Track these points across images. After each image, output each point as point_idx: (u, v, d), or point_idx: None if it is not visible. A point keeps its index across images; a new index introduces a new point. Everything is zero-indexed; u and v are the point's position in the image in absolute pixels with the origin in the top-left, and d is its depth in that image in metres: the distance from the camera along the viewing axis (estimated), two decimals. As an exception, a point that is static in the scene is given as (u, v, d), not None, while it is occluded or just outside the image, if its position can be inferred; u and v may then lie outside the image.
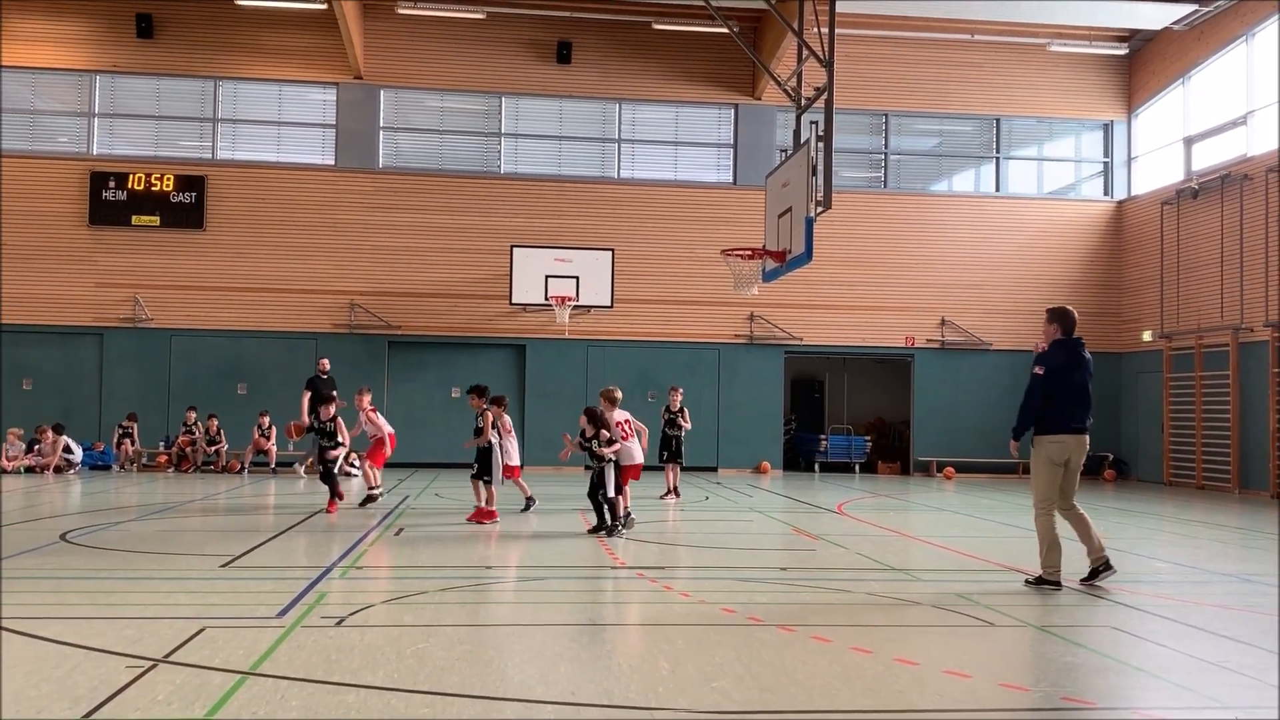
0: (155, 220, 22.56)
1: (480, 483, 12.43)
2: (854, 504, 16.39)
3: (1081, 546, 8.54)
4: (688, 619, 6.92)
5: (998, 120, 25.05)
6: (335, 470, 13.64)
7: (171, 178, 22.61)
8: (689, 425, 16.35)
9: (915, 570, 9.51)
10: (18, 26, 22.70)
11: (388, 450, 14.66)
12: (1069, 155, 25.72)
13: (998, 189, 25.11)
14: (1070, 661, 6.04)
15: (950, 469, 23.85)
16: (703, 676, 5.44)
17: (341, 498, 13.46)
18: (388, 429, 14.60)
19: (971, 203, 24.94)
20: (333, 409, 13.97)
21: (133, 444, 21.17)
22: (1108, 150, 25.28)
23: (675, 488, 16.28)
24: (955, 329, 24.39)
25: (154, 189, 22.53)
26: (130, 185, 22.48)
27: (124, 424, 21.21)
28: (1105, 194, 25.26)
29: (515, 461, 13.34)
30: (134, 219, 22.50)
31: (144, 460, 21.35)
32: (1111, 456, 24.20)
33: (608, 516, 11.24)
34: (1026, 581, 8.51)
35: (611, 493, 11.18)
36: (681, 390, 16.84)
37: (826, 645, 6.17)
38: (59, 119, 23.22)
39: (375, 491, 14.26)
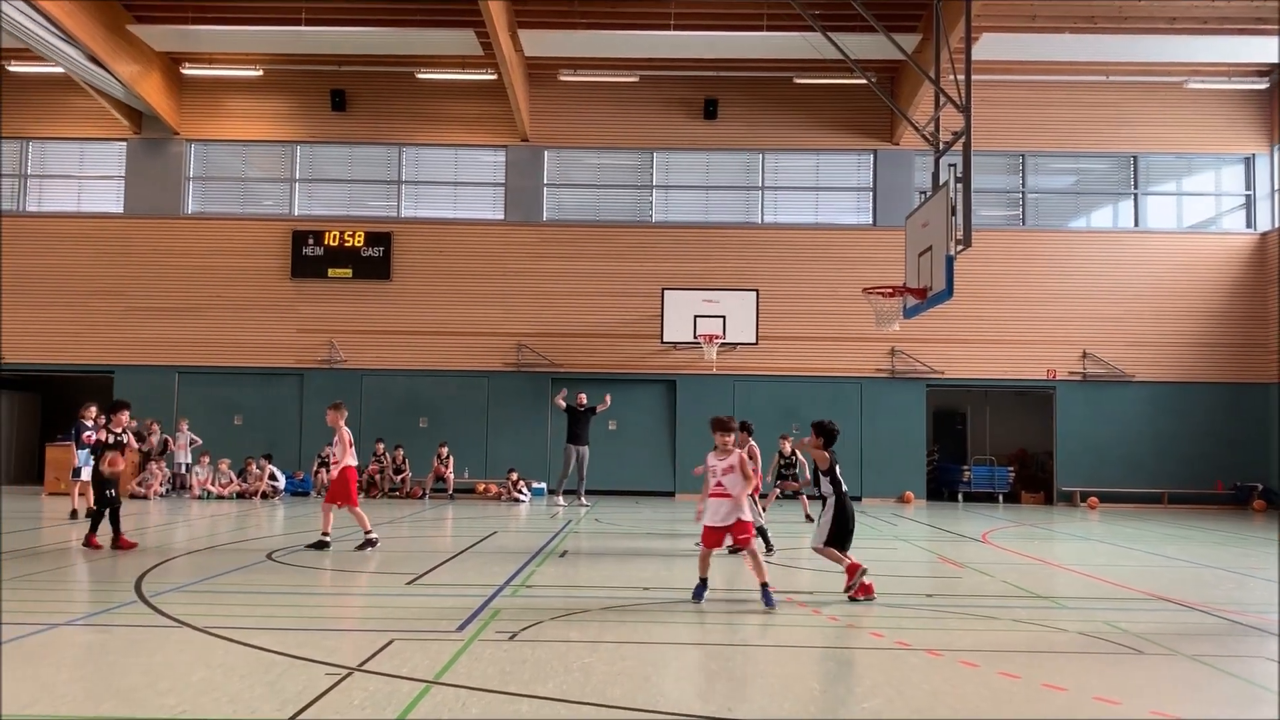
0: (348, 273, 23.67)
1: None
2: (998, 533, 15.78)
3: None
4: (837, 642, 6.78)
5: (1135, 157, 24.00)
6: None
7: (362, 234, 23.71)
8: (807, 472, 15.62)
9: (1061, 598, 9.09)
10: (231, 106, 24.29)
11: (348, 483, 11.66)
12: (1209, 189, 24.38)
13: (1136, 224, 24.01)
14: (1222, 691, 5.67)
15: (1094, 499, 22.76)
16: (853, 697, 5.32)
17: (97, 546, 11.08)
18: (351, 460, 11.76)
19: (1110, 238, 23.91)
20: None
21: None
22: (1249, 183, 23.88)
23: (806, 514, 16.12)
24: (1097, 362, 23.35)
25: (347, 245, 23.67)
26: (326, 242, 23.68)
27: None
28: (1248, 226, 23.84)
29: None
30: (330, 272, 23.66)
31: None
32: (1261, 487, 22.67)
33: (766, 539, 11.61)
34: None
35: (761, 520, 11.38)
36: (790, 438, 16.57)
37: (974, 670, 5.95)
38: (265, 185, 24.65)
39: (328, 539, 11.55)
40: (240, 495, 20.72)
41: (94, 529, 11.28)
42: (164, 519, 15.84)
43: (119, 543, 11.12)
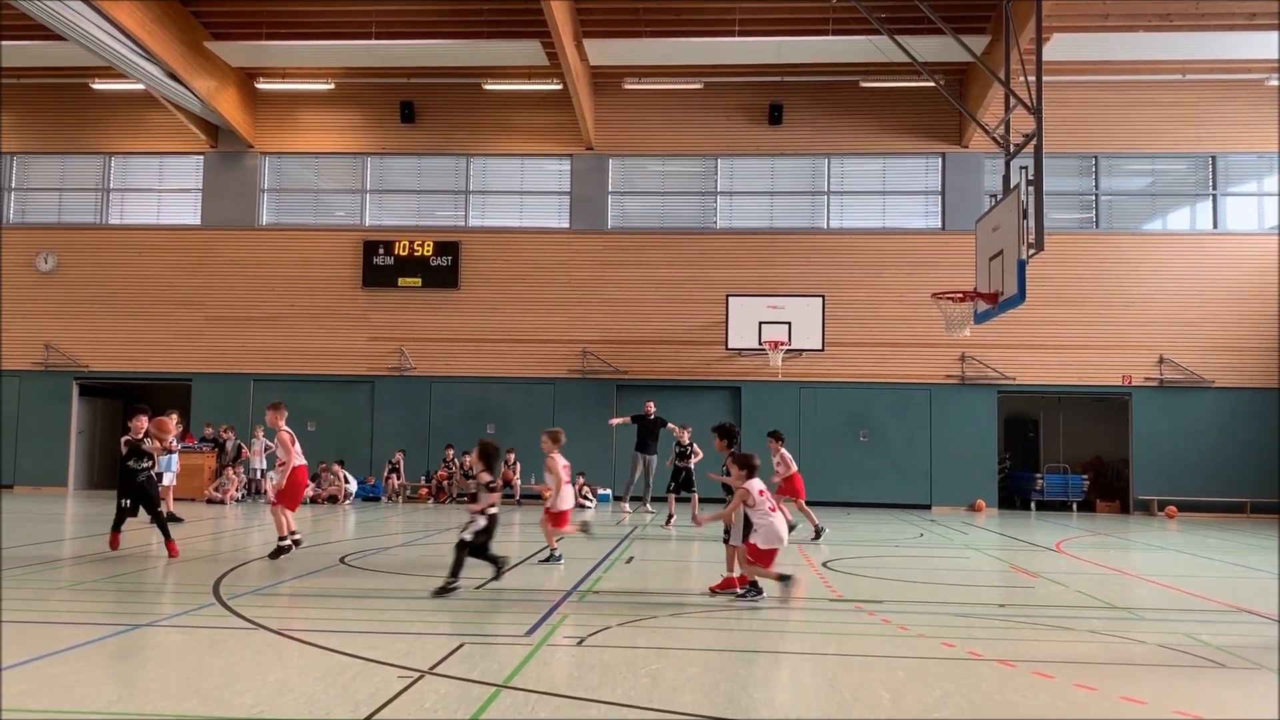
0: (417, 282, 24.02)
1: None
2: (1072, 542, 15.45)
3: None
4: (907, 652, 6.69)
5: (1213, 157, 23.36)
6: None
7: (431, 244, 24.04)
8: (700, 455, 16.78)
9: (1139, 609, 8.86)
10: (304, 119, 24.82)
11: (298, 485, 11.33)
12: (1292, 189, 23.62)
13: (1215, 225, 23.36)
14: (1314, 708, 5.47)
15: (1172, 508, 22.16)
16: (924, 707, 5.24)
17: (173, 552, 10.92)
18: (299, 460, 11.31)
19: (1187, 241, 23.29)
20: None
21: (398, 478, 22.45)
22: (1336, 182, 23.10)
23: (694, 515, 15.88)
24: (1174, 367, 22.75)
25: (416, 254, 24.03)
26: (396, 251, 24.07)
27: (392, 460, 22.55)
28: (1335, 226, 23.06)
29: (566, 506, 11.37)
30: (400, 281, 24.04)
31: (408, 492, 22.58)
32: (1351, 496, 21.88)
33: (457, 572, 8.74)
34: None
35: (468, 536, 8.90)
36: (690, 427, 17.34)
37: (1049, 681, 5.83)
38: (337, 196, 25.13)
39: (286, 542, 10.96)
40: (312, 500, 21.10)
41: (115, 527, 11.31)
42: (239, 523, 16.20)
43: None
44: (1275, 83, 22.38)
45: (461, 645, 6.44)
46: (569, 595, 8.73)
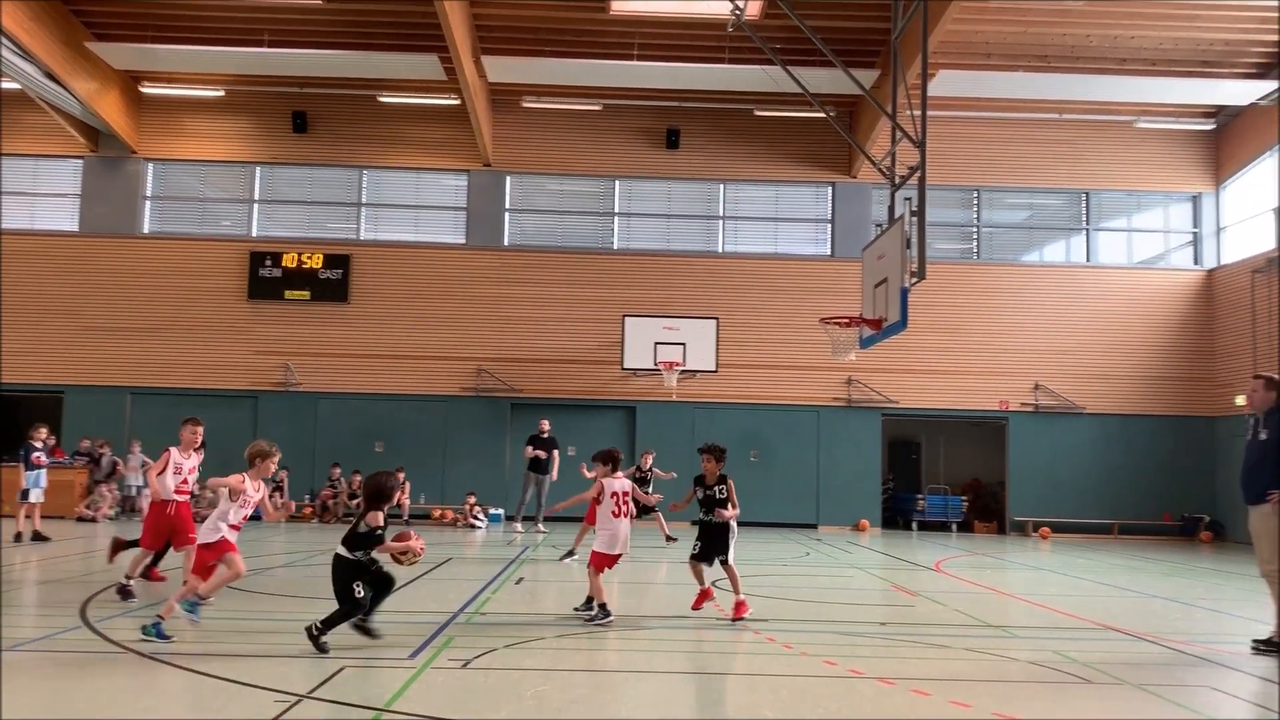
0: (306, 295, 23.46)
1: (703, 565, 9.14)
2: (951, 562, 15.91)
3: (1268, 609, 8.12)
4: (791, 670, 6.79)
5: (1087, 194, 24.49)
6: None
7: (321, 256, 23.53)
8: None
9: (1012, 627, 9.18)
10: (191, 125, 24.08)
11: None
12: (1158, 226, 24.91)
13: (1088, 259, 24.47)
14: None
15: (1046, 529, 23.02)
16: (805, 726, 5.32)
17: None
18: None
19: (1062, 272, 24.33)
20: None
21: (282, 497, 21.79)
22: (1197, 221, 24.45)
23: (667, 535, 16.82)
24: (1048, 393, 23.69)
25: (305, 267, 23.48)
26: (284, 263, 23.47)
27: (276, 479, 21.89)
28: (1195, 263, 24.36)
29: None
30: (287, 294, 23.44)
31: (291, 512, 21.91)
32: (1208, 518, 23.07)
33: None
34: (1256, 647, 7.89)
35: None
36: (654, 452, 17.92)
37: (926, 699, 5.98)
38: (224, 205, 24.43)
39: (131, 584, 9.22)
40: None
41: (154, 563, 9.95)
42: (112, 542, 15.49)
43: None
44: (1144, 124, 23.62)
45: (342, 669, 6.29)
46: (455, 617, 8.61)
